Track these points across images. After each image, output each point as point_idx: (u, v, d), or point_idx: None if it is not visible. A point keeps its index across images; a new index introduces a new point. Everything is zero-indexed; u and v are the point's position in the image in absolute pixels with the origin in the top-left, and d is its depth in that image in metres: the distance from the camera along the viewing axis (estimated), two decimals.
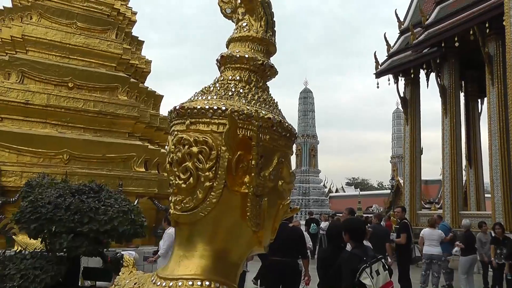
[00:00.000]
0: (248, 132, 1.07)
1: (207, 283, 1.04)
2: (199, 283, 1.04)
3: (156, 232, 11.08)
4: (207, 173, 1.06)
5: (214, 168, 1.05)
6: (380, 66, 19.86)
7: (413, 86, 19.44)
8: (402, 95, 19.73)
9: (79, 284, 4.71)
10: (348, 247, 7.03)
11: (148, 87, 13.52)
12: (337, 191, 48.04)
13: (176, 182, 1.10)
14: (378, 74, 19.82)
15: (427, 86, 19.36)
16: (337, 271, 5.23)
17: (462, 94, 19.21)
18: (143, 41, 14.78)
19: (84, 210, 3.63)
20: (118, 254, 4.76)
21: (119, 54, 12.36)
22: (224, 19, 1.32)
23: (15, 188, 8.76)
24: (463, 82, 19.36)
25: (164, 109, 14.24)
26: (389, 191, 33.42)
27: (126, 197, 4.28)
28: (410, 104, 19.35)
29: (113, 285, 1.24)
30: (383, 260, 4.46)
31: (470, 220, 12.00)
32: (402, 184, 23.25)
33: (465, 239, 11.06)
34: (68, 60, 11.60)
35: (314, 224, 17.71)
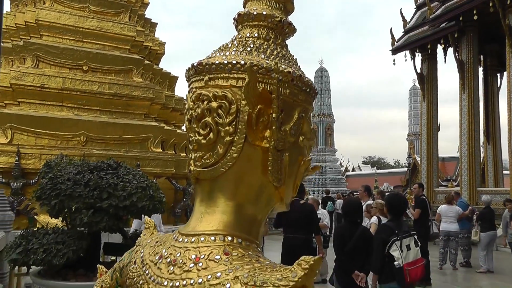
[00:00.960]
0: (268, 86, 1.05)
1: (230, 238, 1.03)
2: (221, 238, 1.02)
3: (174, 212, 11.22)
4: (227, 128, 1.04)
5: (234, 123, 1.03)
6: (396, 42, 19.51)
7: (430, 61, 19.08)
8: (419, 71, 19.39)
9: (100, 259, 4.80)
10: (365, 222, 7.06)
11: (162, 69, 13.52)
12: (353, 170, 47.78)
13: (196, 138, 1.09)
14: (395, 51, 19.48)
15: (445, 61, 19.01)
16: (353, 246, 5.25)
17: (480, 69, 18.80)
18: (156, 23, 14.74)
19: (103, 186, 3.66)
20: (138, 230, 4.83)
21: (132, 37, 12.37)
22: (237, 3, 1.29)
23: (34, 170, 8.91)
24: (481, 56, 18.94)
25: (179, 91, 14.27)
26: (405, 169, 33.16)
27: (144, 174, 4.31)
28: (427, 80, 19.02)
29: (135, 246, 1.24)
30: (415, 237, 4.48)
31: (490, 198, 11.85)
32: (419, 161, 23.02)
33: (485, 215, 10.94)
34: (82, 43, 11.64)
35: (331, 202, 17.77)
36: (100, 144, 10.41)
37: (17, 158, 9.26)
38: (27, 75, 10.35)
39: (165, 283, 1.00)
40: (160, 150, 11.24)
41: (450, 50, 18.07)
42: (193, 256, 1.00)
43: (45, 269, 3.95)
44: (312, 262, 0.86)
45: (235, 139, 1.03)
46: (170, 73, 13.85)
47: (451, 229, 10.55)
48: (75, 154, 9.30)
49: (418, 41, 18.46)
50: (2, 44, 4.30)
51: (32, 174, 9.09)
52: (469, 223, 11.54)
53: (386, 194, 8.42)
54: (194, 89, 1.12)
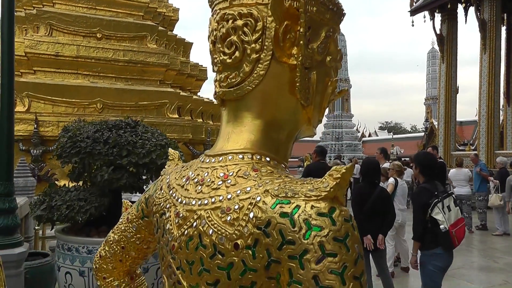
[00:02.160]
0: (295, 3, 1.00)
1: (258, 156, 0.99)
2: (249, 156, 0.98)
3: None
4: (253, 45, 0.99)
5: (260, 40, 0.99)
6: (415, 2, 18.92)
7: (450, 22, 18.50)
8: (438, 32, 18.86)
9: None
10: (385, 182, 7.01)
11: (176, 35, 13.38)
12: (370, 135, 47.42)
13: (221, 58, 1.04)
14: (413, 11, 18.91)
15: (465, 21, 18.39)
16: (371, 207, 5.21)
17: (503, 28, 18.18)
18: None
19: (122, 144, 3.65)
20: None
21: (146, 3, 12.23)
22: None
23: (53, 137, 9.00)
24: (504, 14, 18.26)
25: (194, 57, 14.15)
26: (422, 133, 32.79)
27: (163, 133, 4.30)
28: (447, 41, 18.51)
29: (160, 176, 1.22)
30: (453, 196, 4.29)
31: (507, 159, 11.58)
32: (436, 126, 22.69)
33: (500, 176, 10.74)
34: (95, 11, 11.56)
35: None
36: (117, 111, 10.45)
37: (35, 125, 9.36)
38: (41, 44, 10.34)
39: (193, 202, 0.97)
40: (176, 116, 11.25)
41: (471, 10, 17.48)
42: (221, 174, 0.96)
43: (69, 226, 4.01)
44: (344, 171, 0.81)
45: (261, 56, 0.99)
46: (184, 39, 13.72)
47: (461, 192, 10.38)
48: (92, 120, 9.36)
49: (438, 1, 17.87)
50: (15, 13, 4.25)
51: (51, 141, 9.19)
52: (487, 185, 11.37)
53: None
54: (218, 11, 1.07)
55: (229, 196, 0.91)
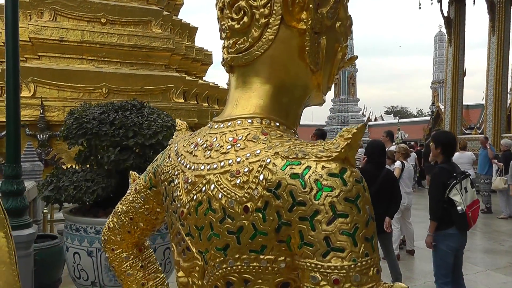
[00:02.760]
0: None
1: (267, 121, 0.98)
2: (259, 120, 0.97)
3: None
4: (262, 10, 0.98)
5: (269, 4, 0.97)
6: None
7: (458, 4, 18.23)
8: (445, 14, 18.60)
9: None
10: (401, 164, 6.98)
11: (181, 20, 13.30)
12: (376, 119, 47.18)
13: (229, 24, 1.02)
14: None
15: (474, 3, 18.12)
16: (378, 189, 5.18)
17: None
18: None
19: (128, 125, 3.65)
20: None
21: None
22: None
23: (59, 122, 9.03)
24: None
25: (199, 41, 14.06)
26: (428, 118, 32.60)
27: (169, 114, 4.29)
28: (454, 24, 18.25)
29: (168, 145, 1.21)
30: (470, 177, 4.25)
31: None
32: (442, 109, 22.53)
33: (504, 159, 10.66)
34: None
35: None
36: (122, 96, 10.44)
37: (41, 110, 9.39)
38: (46, 29, 10.31)
39: (202, 167, 0.96)
40: (182, 100, 11.24)
41: None
42: (230, 139, 0.95)
43: (76, 208, 4.04)
44: (355, 131, 0.80)
45: (270, 21, 0.98)
46: (189, 24, 13.62)
47: None
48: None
49: None
50: None
51: (57, 126, 9.22)
52: (492, 168, 11.30)
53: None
54: None
55: (238, 160, 0.90)
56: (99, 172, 3.69)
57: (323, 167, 0.80)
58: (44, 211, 6.55)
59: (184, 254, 1.00)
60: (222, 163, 0.92)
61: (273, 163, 0.84)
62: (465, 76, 18.61)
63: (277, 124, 0.99)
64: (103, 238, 1.37)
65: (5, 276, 1.22)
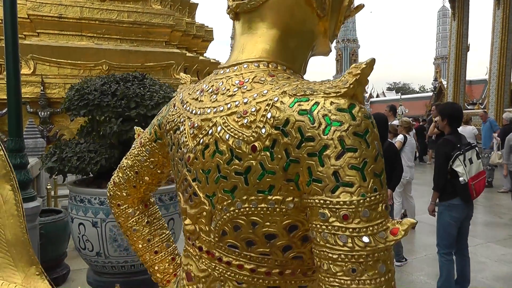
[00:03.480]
0: None
1: (274, 65, 0.96)
2: (265, 64, 0.96)
3: None
4: None
5: None
6: None
7: None
8: None
9: None
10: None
11: None
12: (378, 96, 46.96)
13: None
14: None
15: None
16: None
17: None
18: None
19: (130, 96, 3.63)
20: None
21: None
22: None
23: (60, 99, 9.00)
24: None
25: (200, 18, 13.90)
26: (431, 93, 32.41)
27: (170, 85, 4.27)
28: None
29: (173, 97, 1.20)
30: (477, 148, 4.24)
31: None
32: (445, 85, 22.38)
33: (502, 133, 10.61)
34: None
35: None
36: (123, 72, 10.35)
37: (41, 87, 9.34)
38: (44, 6, 10.16)
39: (208, 111, 0.94)
40: None
41: None
42: (237, 82, 0.94)
43: (80, 180, 4.06)
44: (364, 66, 0.78)
45: None
46: (189, 0, 13.45)
47: None
48: None
49: None
50: None
51: (58, 103, 9.20)
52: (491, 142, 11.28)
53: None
54: None
55: (245, 100, 0.88)
56: (102, 143, 3.68)
57: (331, 103, 0.78)
58: (48, 187, 6.59)
59: (191, 200, 1.00)
60: (228, 105, 0.91)
61: (281, 101, 0.83)
62: (468, 50, 18.44)
63: (284, 67, 0.98)
64: (108, 194, 1.36)
65: (13, 229, 1.23)
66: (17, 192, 1.27)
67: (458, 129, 4.33)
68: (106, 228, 3.52)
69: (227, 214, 0.90)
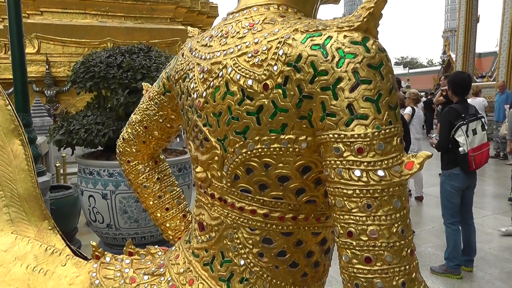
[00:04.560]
0: None
1: (284, 7, 0.94)
2: (275, 7, 0.94)
3: None
4: None
5: None
6: None
7: None
8: None
9: None
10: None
11: None
12: None
13: None
14: None
15: None
16: None
17: None
18: None
19: (136, 68, 3.60)
20: None
21: None
22: None
23: (65, 78, 8.99)
24: None
25: None
26: (439, 67, 32.02)
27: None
28: None
29: (181, 48, 1.17)
30: (483, 120, 4.18)
31: None
32: (453, 59, 22.08)
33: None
34: None
35: None
36: None
37: (47, 66, 9.34)
38: None
39: (218, 54, 0.92)
40: None
41: None
42: (246, 24, 0.91)
43: (88, 153, 4.07)
44: None
45: None
46: None
47: None
48: None
49: None
50: None
51: (63, 82, 9.20)
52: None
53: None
54: None
55: (256, 41, 0.86)
56: (109, 115, 3.68)
57: (345, 36, 0.77)
58: (57, 164, 6.62)
59: (202, 146, 0.98)
60: (239, 47, 0.89)
61: (293, 38, 0.81)
62: (478, 22, 18.08)
63: (295, 10, 0.96)
64: (118, 151, 1.36)
65: (24, 183, 1.23)
66: (26, 147, 1.27)
67: (469, 100, 4.29)
68: (116, 200, 3.54)
69: (239, 157, 0.89)
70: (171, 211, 1.36)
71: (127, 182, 1.41)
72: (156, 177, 1.36)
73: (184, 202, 1.41)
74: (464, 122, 4.05)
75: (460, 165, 4.14)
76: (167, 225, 1.36)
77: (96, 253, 1.18)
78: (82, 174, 3.73)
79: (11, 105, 1.25)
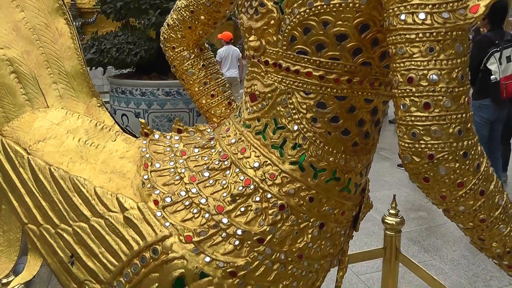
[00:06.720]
0: None
1: None
2: None
3: None
4: None
5: None
6: None
7: None
8: None
9: None
10: None
11: None
12: None
13: None
14: None
15: None
16: None
17: None
18: None
19: None
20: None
21: None
22: None
23: (90, 9, 8.92)
24: None
25: None
26: None
27: None
28: None
29: None
30: None
31: None
32: None
33: None
34: None
35: None
36: None
37: None
38: None
39: None
40: None
41: None
42: None
43: (119, 74, 4.11)
44: None
45: None
46: None
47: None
48: None
49: None
50: None
51: (89, 14, 9.14)
52: None
53: None
54: None
55: None
56: (140, 35, 3.66)
57: None
58: None
59: (257, 13, 0.98)
60: None
61: None
62: None
63: None
64: (162, 38, 1.35)
65: (71, 61, 1.26)
66: (71, 26, 1.29)
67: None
68: (149, 118, 3.60)
69: (297, 17, 0.89)
70: (216, 98, 1.37)
71: (171, 70, 1.41)
72: (202, 63, 1.36)
73: (229, 91, 1.42)
74: (498, 49, 3.91)
75: (491, 95, 4.03)
76: (212, 112, 1.38)
77: (145, 130, 1.20)
78: (114, 93, 3.78)
79: None
